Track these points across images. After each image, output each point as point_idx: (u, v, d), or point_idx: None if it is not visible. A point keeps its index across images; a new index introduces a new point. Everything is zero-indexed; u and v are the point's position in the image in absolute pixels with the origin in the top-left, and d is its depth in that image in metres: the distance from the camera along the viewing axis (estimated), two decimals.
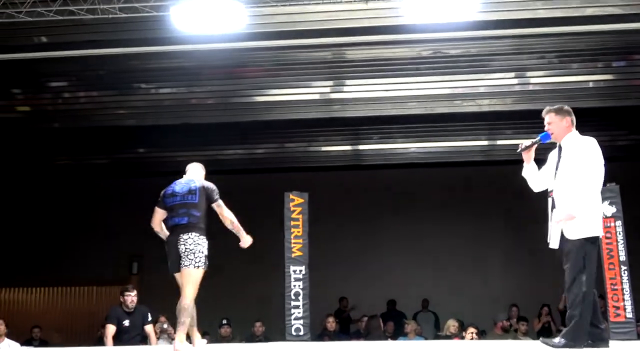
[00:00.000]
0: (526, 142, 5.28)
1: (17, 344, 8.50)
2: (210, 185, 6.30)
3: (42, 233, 14.04)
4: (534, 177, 5.38)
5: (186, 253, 5.87)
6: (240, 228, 6.33)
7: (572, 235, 4.99)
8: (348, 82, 10.00)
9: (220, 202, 6.24)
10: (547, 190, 5.26)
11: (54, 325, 13.64)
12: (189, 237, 5.89)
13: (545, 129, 5.26)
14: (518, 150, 5.31)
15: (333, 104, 10.40)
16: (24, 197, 13.94)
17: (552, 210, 5.14)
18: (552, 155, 5.31)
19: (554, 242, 5.13)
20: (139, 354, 5.92)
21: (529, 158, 5.33)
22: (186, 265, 5.85)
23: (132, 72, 9.87)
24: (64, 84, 10.28)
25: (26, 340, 10.65)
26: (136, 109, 10.59)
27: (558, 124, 5.22)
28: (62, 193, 14.14)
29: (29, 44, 8.77)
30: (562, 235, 5.04)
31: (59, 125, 10.95)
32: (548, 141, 5.26)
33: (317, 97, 10.25)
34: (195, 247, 5.87)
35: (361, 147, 12.14)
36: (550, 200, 5.17)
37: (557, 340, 4.95)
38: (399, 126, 11.35)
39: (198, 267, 5.86)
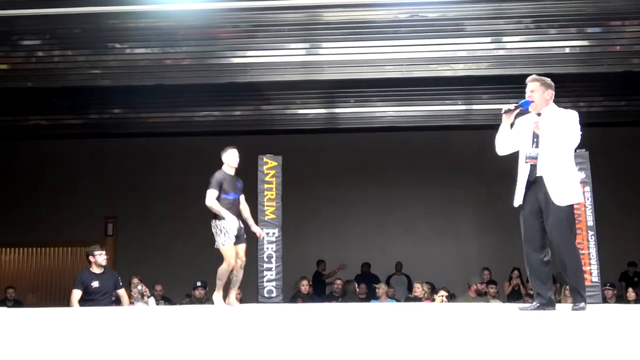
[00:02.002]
0: (510, 106, 5.42)
1: None
2: (211, 177, 7.40)
3: (15, 193, 13.98)
4: (506, 141, 5.49)
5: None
6: (219, 211, 7.20)
7: (562, 201, 5.16)
8: (324, 44, 9.96)
9: (206, 192, 7.31)
10: (523, 155, 5.35)
11: (29, 285, 13.68)
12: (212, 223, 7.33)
13: (527, 96, 5.38)
14: (502, 112, 5.42)
15: (309, 67, 10.36)
16: None
17: (530, 176, 5.26)
18: (525, 123, 5.42)
19: (518, 200, 5.30)
20: (112, 313, 5.97)
21: (508, 121, 5.46)
22: (216, 246, 7.29)
23: (107, 31, 9.78)
24: (38, 42, 10.16)
25: (0, 300, 10.69)
26: (110, 69, 10.48)
27: (541, 95, 5.38)
28: (34, 153, 14.06)
29: (1, 0, 8.66)
30: (548, 202, 5.17)
31: (32, 84, 10.81)
32: (526, 108, 5.39)
33: (293, 59, 10.20)
34: (213, 231, 7.30)
35: (337, 110, 12.13)
36: (527, 165, 5.28)
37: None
38: (375, 90, 11.36)
39: (222, 244, 7.28)
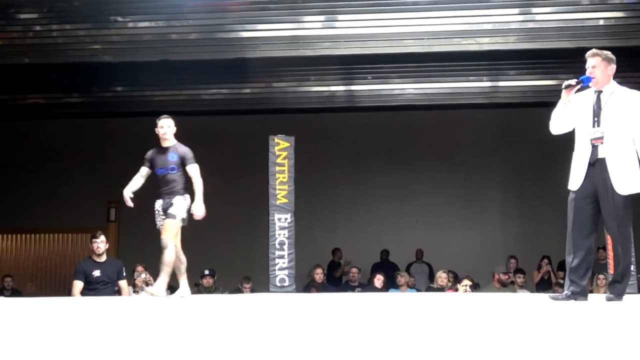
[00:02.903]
0: (571, 81, 5.38)
1: None
2: None
3: (12, 176, 14.02)
4: (563, 119, 5.44)
5: None
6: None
7: (624, 189, 5.15)
8: (340, 17, 9.90)
9: None
10: (582, 135, 5.29)
11: (27, 274, 13.76)
12: None
13: (587, 72, 5.32)
14: (562, 87, 5.39)
15: (324, 41, 10.31)
16: None
17: (590, 158, 5.20)
18: (583, 100, 5.36)
19: (576, 183, 5.27)
20: (114, 303, 6.00)
21: (567, 98, 5.40)
22: None
23: (109, 3, 9.77)
24: (35, 16, 10.16)
25: None
26: (112, 44, 10.48)
27: (603, 71, 5.32)
28: (33, 134, 14.09)
29: None
30: (607, 188, 5.12)
31: (30, 60, 10.83)
32: (586, 85, 5.34)
33: (307, 33, 10.15)
34: None
35: (354, 87, 12.07)
36: (588, 146, 5.21)
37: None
38: (395, 65, 11.29)
39: None
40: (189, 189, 7.05)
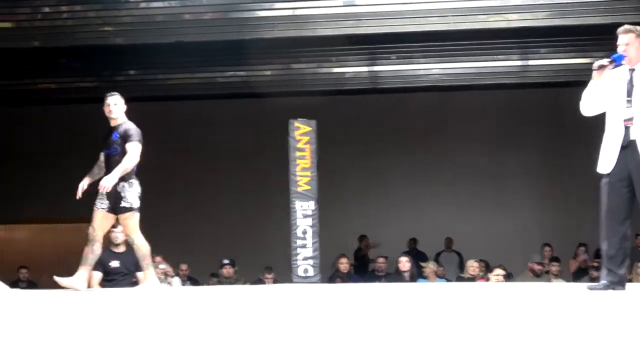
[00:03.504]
0: (603, 61, 5.36)
1: (6, 286, 8.71)
2: None
3: (25, 164, 14.17)
4: (595, 100, 5.44)
5: None
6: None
7: None
8: None
9: None
10: (614, 116, 5.29)
11: (43, 265, 13.90)
12: None
13: (620, 50, 5.30)
14: (594, 68, 5.36)
15: (346, 20, 10.30)
16: (4, 125, 14.02)
17: (623, 140, 5.19)
18: (616, 79, 5.34)
19: (607, 166, 5.27)
20: (132, 296, 6.09)
21: (599, 78, 5.39)
22: None
23: None
24: None
25: (12, 281, 10.90)
26: (124, 25, 10.52)
27: (637, 49, 5.28)
28: (45, 120, 14.23)
29: None
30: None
31: (39, 44, 10.91)
32: (619, 64, 5.31)
33: (327, 11, 10.15)
34: None
35: (377, 68, 12.07)
36: (620, 128, 5.20)
37: None
38: (419, 44, 11.27)
39: None
40: (135, 173, 6.79)
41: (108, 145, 6.79)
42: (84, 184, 6.87)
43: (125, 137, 6.73)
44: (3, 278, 9.97)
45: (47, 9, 10.37)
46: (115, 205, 6.67)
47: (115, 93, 7.01)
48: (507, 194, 13.71)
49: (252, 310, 4.50)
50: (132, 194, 6.69)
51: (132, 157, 6.67)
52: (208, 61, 11.92)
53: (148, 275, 6.74)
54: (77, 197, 6.77)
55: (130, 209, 6.65)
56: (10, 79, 12.62)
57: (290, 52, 11.68)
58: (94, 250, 6.80)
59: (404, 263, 9.63)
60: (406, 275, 9.51)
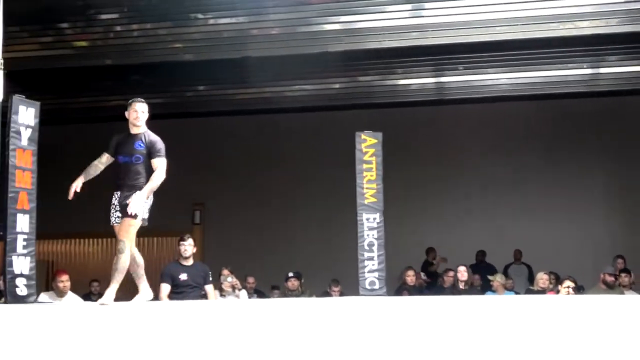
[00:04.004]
0: None
1: (79, 299, 8.95)
2: None
3: (98, 180, 14.50)
4: None
5: None
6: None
7: None
8: (428, 5, 9.85)
9: None
10: None
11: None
12: None
13: None
14: None
15: (412, 31, 10.29)
16: (76, 141, 14.38)
17: None
18: None
19: None
20: (202, 308, 6.17)
21: None
22: None
23: (188, 0, 10.00)
24: (115, 16, 10.48)
25: (85, 294, 11.18)
26: (193, 41, 10.71)
27: None
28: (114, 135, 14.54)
29: None
30: None
31: (112, 61, 11.18)
32: None
33: (393, 23, 10.16)
34: None
35: (444, 79, 12.02)
36: None
37: None
38: (487, 54, 11.17)
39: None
40: None
41: (127, 152, 6.61)
42: (77, 185, 6.67)
43: (153, 150, 6.65)
44: (77, 290, 10.25)
45: (119, 28, 10.62)
46: (123, 207, 6.55)
47: (143, 100, 6.84)
48: (578, 204, 13.47)
49: (320, 322, 4.51)
50: (143, 204, 6.57)
51: (162, 175, 6.66)
52: (276, 75, 12.04)
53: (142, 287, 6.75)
54: (69, 198, 6.60)
55: (134, 216, 6.49)
56: (84, 97, 12.97)
57: (356, 64, 11.71)
58: (138, 262, 6.79)
59: (463, 272, 9.57)
60: (463, 284, 9.44)
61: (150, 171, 6.59)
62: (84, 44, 10.87)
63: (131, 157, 6.60)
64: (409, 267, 10.68)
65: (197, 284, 8.22)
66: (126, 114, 6.76)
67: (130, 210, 6.40)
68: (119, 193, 6.60)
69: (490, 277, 10.51)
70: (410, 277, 10.26)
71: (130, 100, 6.83)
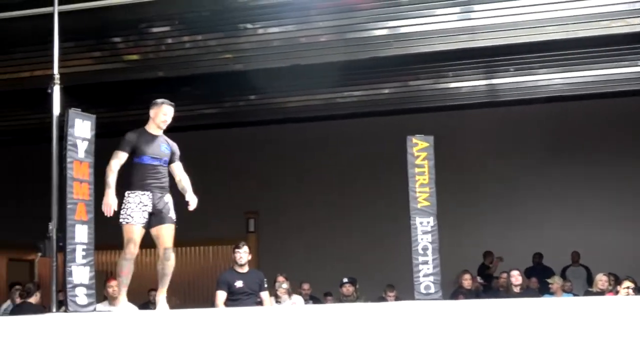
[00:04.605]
0: None
1: (135, 307, 9.05)
2: None
3: None
4: None
5: None
6: (105, 183, 6.47)
7: None
8: (477, 7, 9.83)
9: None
10: None
11: (170, 287, 14.38)
12: None
13: None
14: None
15: (461, 34, 10.26)
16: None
17: None
18: None
19: None
20: (253, 314, 6.21)
21: None
22: None
23: (237, 11, 10.11)
24: (167, 29, 10.65)
25: (143, 303, 11.32)
26: (243, 51, 10.83)
27: None
28: None
29: None
30: None
31: (163, 73, 11.36)
32: None
33: (442, 27, 10.14)
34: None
35: (495, 81, 11.94)
36: None
37: None
38: (538, 55, 11.09)
39: (121, 221, 6.52)
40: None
41: (156, 154, 6.65)
42: (115, 202, 6.46)
43: (175, 155, 6.84)
44: (135, 299, 10.39)
45: (170, 40, 10.80)
46: (162, 216, 6.61)
47: (172, 103, 6.84)
48: (635, 205, 13.25)
49: (378, 327, 4.52)
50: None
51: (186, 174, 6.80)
52: (326, 82, 12.09)
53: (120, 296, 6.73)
54: (110, 215, 6.46)
55: (175, 222, 6.68)
56: (137, 109, 13.17)
57: (406, 69, 11.71)
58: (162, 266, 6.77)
59: (516, 277, 9.49)
60: (518, 288, 9.36)
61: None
62: (135, 57, 11.06)
63: (160, 159, 6.67)
64: (465, 270, 10.63)
65: (253, 291, 8.28)
66: (151, 112, 6.77)
67: (174, 216, 6.65)
68: (149, 194, 6.55)
69: (549, 280, 10.41)
70: (467, 281, 10.21)
71: (159, 100, 6.83)
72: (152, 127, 6.72)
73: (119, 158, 6.52)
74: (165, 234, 6.64)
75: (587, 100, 12.65)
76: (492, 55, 11.20)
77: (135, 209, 6.47)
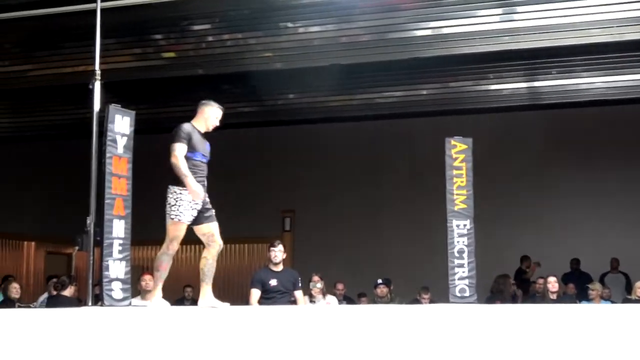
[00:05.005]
0: None
1: (167, 303, 9.14)
2: (174, 128, 6.66)
3: None
4: None
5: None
6: (182, 175, 6.43)
7: None
8: (519, 8, 9.76)
9: (171, 145, 6.54)
10: None
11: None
12: (168, 189, 6.53)
13: None
14: None
15: (503, 35, 10.20)
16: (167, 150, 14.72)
17: None
18: None
19: None
20: (287, 312, 6.25)
21: None
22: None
23: (278, 10, 10.15)
24: (207, 27, 10.73)
25: (178, 299, 11.43)
26: (283, 50, 10.86)
27: None
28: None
29: None
30: None
31: (203, 71, 11.44)
32: None
33: (484, 28, 10.09)
34: (166, 200, 6.53)
35: (536, 84, 11.84)
36: None
37: None
38: (581, 58, 10.97)
39: (172, 218, 6.51)
40: None
41: (206, 153, 6.76)
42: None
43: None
44: (170, 295, 10.49)
45: (210, 38, 10.87)
46: (211, 214, 6.80)
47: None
48: None
49: (411, 330, 4.52)
50: None
51: None
52: (365, 82, 12.09)
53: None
54: (201, 200, 6.56)
55: None
56: (176, 106, 13.29)
57: (447, 70, 11.67)
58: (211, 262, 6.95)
59: (553, 283, 9.41)
60: (554, 295, 9.29)
61: None
62: (175, 54, 11.16)
63: (207, 157, 6.79)
64: (501, 275, 10.56)
65: (287, 289, 8.32)
66: (204, 112, 6.82)
67: None
68: (201, 191, 6.57)
69: (590, 286, 10.31)
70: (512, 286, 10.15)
71: (213, 103, 6.89)
72: (201, 126, 6.76)
73: (182, 149, 6.50)
74: (216, 231, 6.79)
75: (627, 105, 12.49)
76: (534, 58, 11.11)
77: (187, 207, 6.52)
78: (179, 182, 6.44)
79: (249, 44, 10.83)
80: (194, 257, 15.36)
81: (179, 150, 6.47)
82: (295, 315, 6.05)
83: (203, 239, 6.78)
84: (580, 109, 12.77)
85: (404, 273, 12.00)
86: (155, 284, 6.83)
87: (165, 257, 6.64)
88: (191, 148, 6.56)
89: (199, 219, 6.67)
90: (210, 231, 6.77)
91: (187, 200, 6.48)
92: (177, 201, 6.48)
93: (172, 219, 6.50)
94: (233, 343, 3.59)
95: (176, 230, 6.54)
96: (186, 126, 6.60)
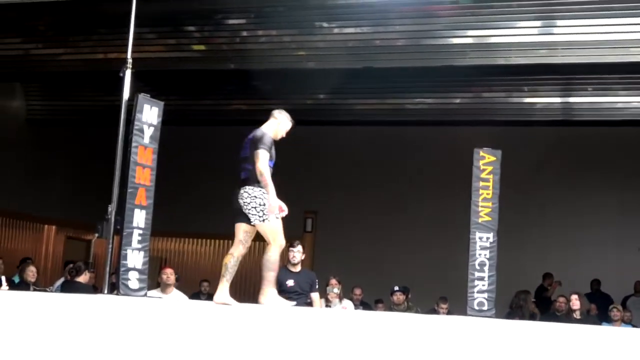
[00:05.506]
0: None
1: (185, 296, 9.20)
2: (258, 133, 6.61)
3: (215, 181, 14.89)
4: None
5: (247, 209, 6.46)
6: (267, 185, 6.42)
7: None
8: (559, 22, 9.73)
9: (257, 151, 6.48)
10: None
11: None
12: (244, 191, 6.46)
13: None
14: None
15: (541, 49, 10.15)
16: (196, 143, 14.78)
17: None
18: None
19: None
20: (305, 314, 6.25)
21: None
22: (253, 222, 6.48)
23: (314, 9, 10.18)
24: (242, 22, 10.78)
25: (194, 293, 11.48)
26: (317, 50, 10.88)
27: None
28: (234, 140, 14.90)
29: None
30: None
31: (235, 66, 11.48)
32: None
33: (521, 39, 10.05)
34: (251, 200, 6.43)
35: (572, 99, 11.78)
36: None
37: None
38: (618, 76, 10.93)
39: (263, 220, 6.43)
40: None
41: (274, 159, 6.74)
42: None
43: None
44: (187, 289, 10.55)
45: (244, 33, 10.91)
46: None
47: None
48: None
49: (425, 340, 4.52)
50: None
51: None
52: (396, 87, 12.08)
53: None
54: (285, 213, 6.63)
55: None
56: (206, 99, 13.35)
57: (481, 80, 11.64)
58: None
59: (574, 301, 9.32)
60: (578, 314, 9.20)
61: None
62: (203, 47, 11.21)
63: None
64: (522, 290, 10.48)
65: (304, 290, 8.32)
66: (282, 124, 6.86)
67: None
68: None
69: (614, 306, 10.24)
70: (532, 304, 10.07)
71: (288, 116, 6.93)
72: (273, 133, 6.72)
73: (267, 157, 6.52)
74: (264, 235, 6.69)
75: None
76: (570, 73, 11.06)
77: (260, 209, 6.48)
78: (259, 182, 6.44)
79: (283, 42, 10.86)
80: (212, 252, 15.46)
81: (265, 159, 6.47)
82: (309, 317, 6.06)
83: (241, 235, 6.64)
84: (615, 128, 12.67)
85: (424, 282, 11.95)
86: (264, 284, 6.74)
87: (279, 257, 6.67)
88: (270, 157, 6.59)
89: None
90: (253, 232, 6.65)
91: (262, 204, 6.48)
92: (261, 205, 6.46)
93: (269, 220, 6.46)
94: (241, 342, 3.61)
95: (278, 227, 6.53)
96: (270, 134, 6.62)
